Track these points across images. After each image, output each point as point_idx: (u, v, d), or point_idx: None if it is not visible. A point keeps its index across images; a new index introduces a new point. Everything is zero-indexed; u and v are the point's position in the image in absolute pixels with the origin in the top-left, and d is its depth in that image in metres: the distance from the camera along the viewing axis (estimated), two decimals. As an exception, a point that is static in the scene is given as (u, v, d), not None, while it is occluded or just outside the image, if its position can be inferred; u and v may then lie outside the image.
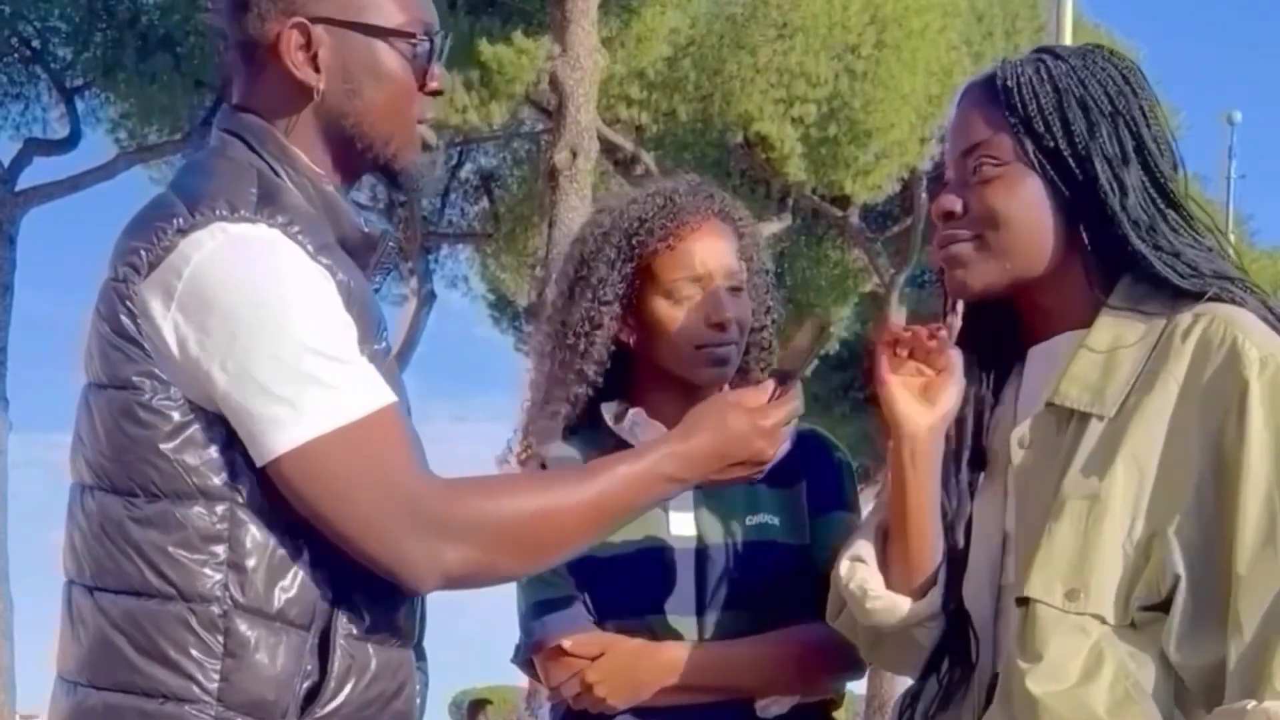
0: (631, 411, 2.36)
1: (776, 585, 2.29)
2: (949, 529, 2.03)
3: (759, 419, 1.93)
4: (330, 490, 1.71)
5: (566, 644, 2.26)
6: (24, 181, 18.94)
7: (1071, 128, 1.95)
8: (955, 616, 2.02)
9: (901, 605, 2.01)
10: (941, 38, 17.48)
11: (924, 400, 2.00)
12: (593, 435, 2.37)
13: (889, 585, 2.03)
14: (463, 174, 20.96)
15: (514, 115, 17.30)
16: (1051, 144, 1.95)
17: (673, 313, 2.33)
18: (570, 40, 14.73)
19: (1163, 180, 1.98)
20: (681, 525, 2.31)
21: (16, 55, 18.54)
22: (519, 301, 20.58)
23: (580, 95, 14.71)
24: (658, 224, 2.35)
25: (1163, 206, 1.97)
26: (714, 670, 2.25)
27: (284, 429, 1.69)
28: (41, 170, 19.25)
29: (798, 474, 2.36)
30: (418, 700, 1.87)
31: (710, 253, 2.35)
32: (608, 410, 2.38)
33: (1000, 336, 2.07)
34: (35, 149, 18.99)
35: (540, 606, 2.30)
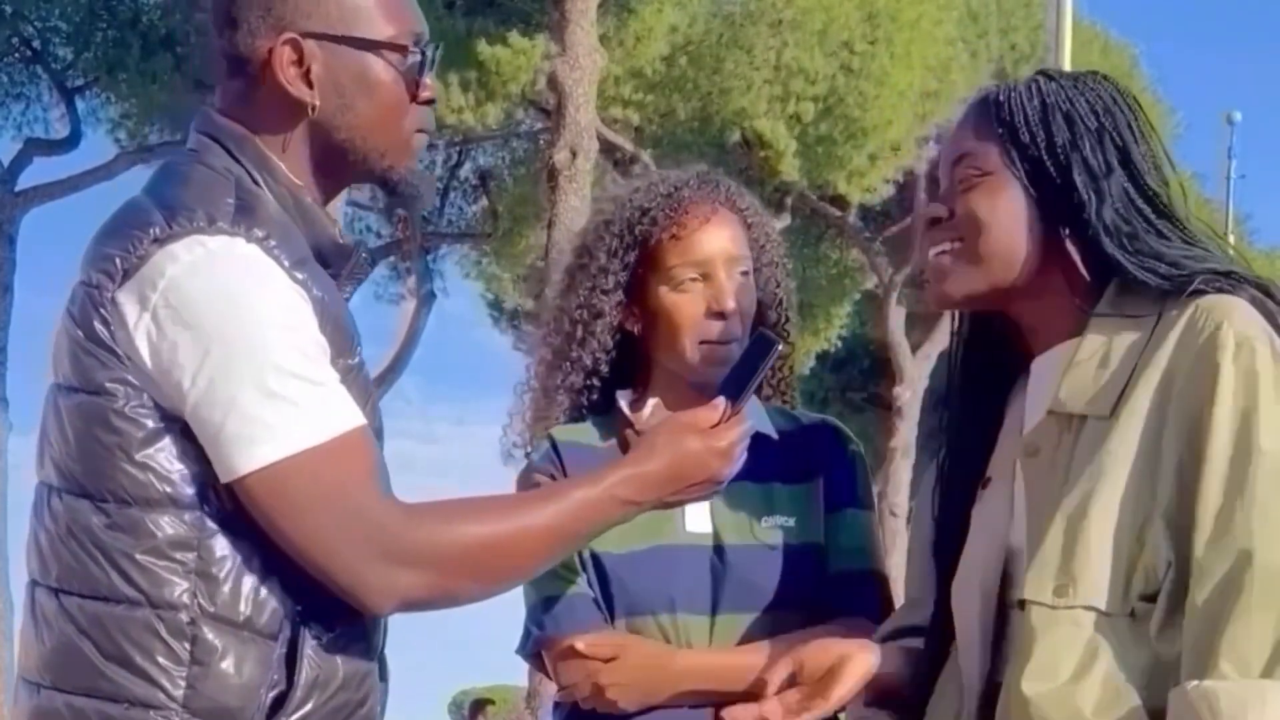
0: (650, 403, 2.34)
1: (790, 587, 2.28)
2: (946, 545, 2.04)
3: (713, 440, 1.92)
4: (293, 511, 1.71)
5: (581, 645, 2.24)
6: (24, 181, 18.92)
7: (1054, 138, 2.00)
8: (937, 628, 2.03)
9: None
10: (938, 30, 17.46)
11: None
12: (608, 421, 2.37)
13: None
14: (461, 174, 20.90)
15: (511, 115, 17.30)
16: (1034, 152, 2.00)
17: (674, 299, 2.31)
18: (569, 40, 14.70)
19: (1150, 191, 2.01)
20: (697, 524, 2.29)
21: (17, 55, 18.51)
22: (517, 302, 20.57)
23: (579, 95, 14.68)
24: (662, 214, 2.32)
25: (1150, 215, 2.00)
26: (727, 678, 2.23)
27: (251, 448, 1.70)
28: (41, 170, 19.23)
29: (814, 470, 2.35)
30: (379, 710, 1.88)
31: (714, 241, 2.32)
32: (623, 397, 2.37)
33: (1001, 352, 2.10)
34: (35, 149, 18.97)
35: (552, 601, 2.28)
